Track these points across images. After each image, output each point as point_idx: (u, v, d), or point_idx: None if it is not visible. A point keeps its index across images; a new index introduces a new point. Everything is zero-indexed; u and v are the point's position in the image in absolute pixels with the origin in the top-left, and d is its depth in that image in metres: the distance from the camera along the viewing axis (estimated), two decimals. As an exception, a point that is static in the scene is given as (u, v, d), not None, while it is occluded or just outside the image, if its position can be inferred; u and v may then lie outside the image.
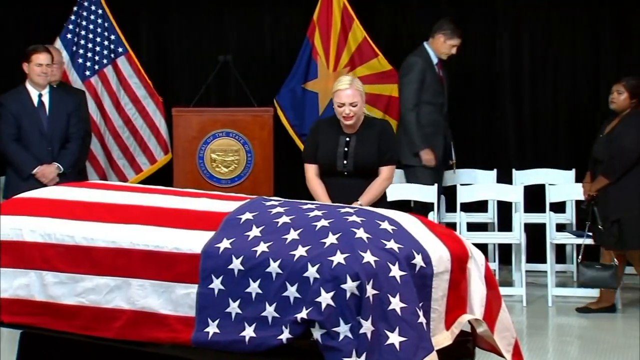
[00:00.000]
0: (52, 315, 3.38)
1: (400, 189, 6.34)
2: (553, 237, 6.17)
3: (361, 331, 2.88)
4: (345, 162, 4.56)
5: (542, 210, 6.31)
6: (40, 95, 5.83)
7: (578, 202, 6.20)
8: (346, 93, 4.51)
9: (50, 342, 3.58)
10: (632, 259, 5.73)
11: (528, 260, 6.44)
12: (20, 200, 3.68)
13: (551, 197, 6.27)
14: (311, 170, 4.65)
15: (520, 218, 6.17)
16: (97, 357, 3.53)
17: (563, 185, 6.41)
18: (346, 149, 4.57)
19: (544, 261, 6.24)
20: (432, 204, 6.31)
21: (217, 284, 3.10)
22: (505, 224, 6.61)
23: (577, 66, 6.99)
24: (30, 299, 3.41)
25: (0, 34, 7.36)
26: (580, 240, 5.92)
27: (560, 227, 6.53)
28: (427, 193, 6.38)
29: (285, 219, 3.20)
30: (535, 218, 6.32)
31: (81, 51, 6.96)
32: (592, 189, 5.69)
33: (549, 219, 6.17)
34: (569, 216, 6.65)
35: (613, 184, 5.59)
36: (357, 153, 4.56)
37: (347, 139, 4.59)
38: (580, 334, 5.46)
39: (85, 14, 6.97)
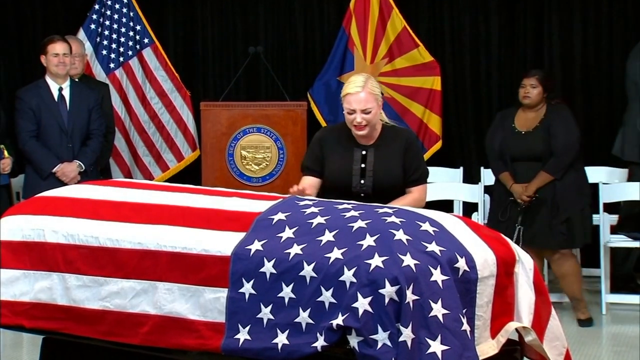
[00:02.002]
0: (75, 320, 3.42)
1: (443, 188, 6.32)
2: (607, 240, 6.12)
3: (401, 339, 2.88)
4: (362, 181, 4.04)
5: (595, 211, 6.25)
6: (60, 89, 5.89)
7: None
8: (357, 97, 3.95)
9: (74, 348, 3.62)
10: (549, 258, 5.74)
11: (580, 265, 6.40)
12: (41, 199, 3.73)
13: (605, 197, 6.21)
14: (306, 183, 4.07)
15: (572, 219, 6.13)
16: (122, 364, 3.57)
17: (618, 185, 6.35)
18: (363, 165, 4.05)
19: (597, 265, 6.20)
20: (477, 204, 6.29)
21: (248, 288, 3.12)
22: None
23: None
24: (52, 302, 3.46)
25: (19, 25, 7.45)
26: (637, 244, 5.85)
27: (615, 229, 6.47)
28: (471, 192, 6.36)
29: (319, 219, 3.20)
30: (587, 219, 6.26)
31: (105, 42, 7.03)
32: (531, 189, 5.66)
33: (602, 220, 6.11)
34: (625, 218, 6.59)
35: (558, 181, 5.64)
36: (378, 170, 4.04)
37: (363, 152, 4.07)
38: (637, 343, 5.40)
39: (109, 3, 7.05)
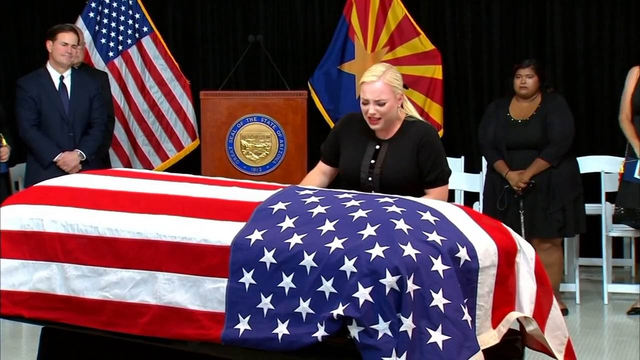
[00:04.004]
0: (74, 310, 3.42)
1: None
2: (609, 230, 6.13)
3: (401, 329, 2.88)
4: (370, 178, 3.82)
5: (597, 200, 6.25)
6: (61, 78, 5.89)
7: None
8: (372, 87, 3.73)
9: (73, 338, 3.63)
10: (538, 246, 5.74)
11: (582, 254, 6.41)
12: (40, 189, 3.72)
13: (607, 186, 6.22)
14: (317, 169, 4.01)
15: (573, 208, 6.13)
16: (122, 354, 3.57)
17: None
18: (373, 160, 3.84)
19: (599, 255, 6.20)
20: (478, 193, 6.28)
21: (248, 278, 3.11)
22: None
23: (632, 47, 6.90)
24: (51, 292, 3.45)
25: (18, 14, 7.44)
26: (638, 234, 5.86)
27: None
28: (472, 182, 6.36)
29: (320, 209, 3.20)
30: (590, 209, 6.26)
31: (104, 31, 7.02)
32: (526, 176, 5.70)
33: (604, 209, 6.12)
34: (627, 207, 6.58)
35: (554, 169, 5.70)
36: (385, 168, 3.80)
37: (377, 146, 3.84)
38: (638, 333, 5.40)
39: (108, -9, 7.03)
